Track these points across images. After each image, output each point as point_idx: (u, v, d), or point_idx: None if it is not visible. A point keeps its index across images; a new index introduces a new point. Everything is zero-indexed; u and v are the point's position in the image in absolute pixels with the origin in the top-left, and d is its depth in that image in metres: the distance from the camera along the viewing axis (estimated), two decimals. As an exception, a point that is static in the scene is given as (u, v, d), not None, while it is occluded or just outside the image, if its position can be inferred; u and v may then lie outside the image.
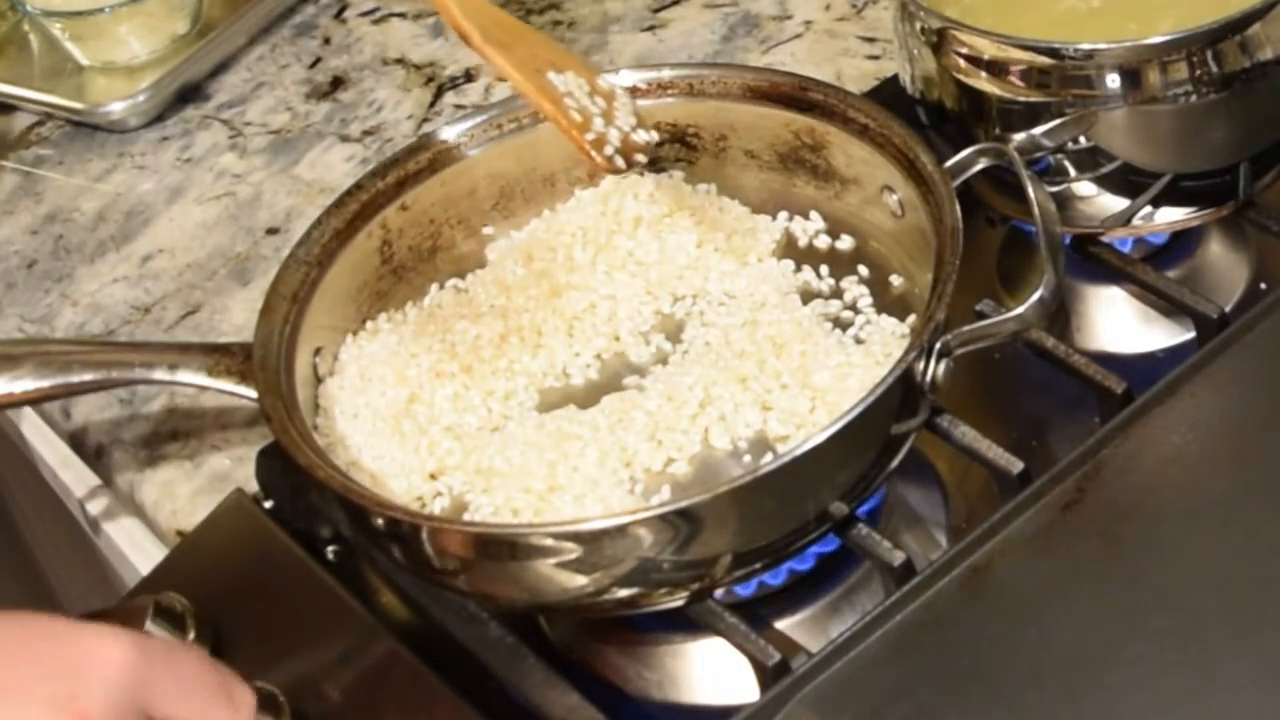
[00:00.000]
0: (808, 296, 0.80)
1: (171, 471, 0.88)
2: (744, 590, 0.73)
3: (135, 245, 1.04)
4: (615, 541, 0.65)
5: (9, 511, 1.11)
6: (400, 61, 1.14)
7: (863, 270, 0.80)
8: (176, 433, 0.90)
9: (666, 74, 0.84)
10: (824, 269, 0.81)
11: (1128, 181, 0.79)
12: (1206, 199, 0.81)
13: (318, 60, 1.16)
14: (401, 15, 1.19)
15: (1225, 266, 0.85)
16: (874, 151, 0.79)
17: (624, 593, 0.68)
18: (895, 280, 0.79)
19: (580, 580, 0.67)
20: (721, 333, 0.78)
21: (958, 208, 0.73)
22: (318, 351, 0.79)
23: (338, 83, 1.14)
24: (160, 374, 0.78)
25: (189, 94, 1.15)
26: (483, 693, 0.72)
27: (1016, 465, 0.73)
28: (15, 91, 1.16)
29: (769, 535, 0.68)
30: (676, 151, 0.85)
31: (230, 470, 0.87)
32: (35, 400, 0.81)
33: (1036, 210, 0.71)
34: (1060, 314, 0.84)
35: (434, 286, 0.83)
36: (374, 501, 0.69)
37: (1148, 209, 0.80)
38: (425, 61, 1.14)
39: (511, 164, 0.85)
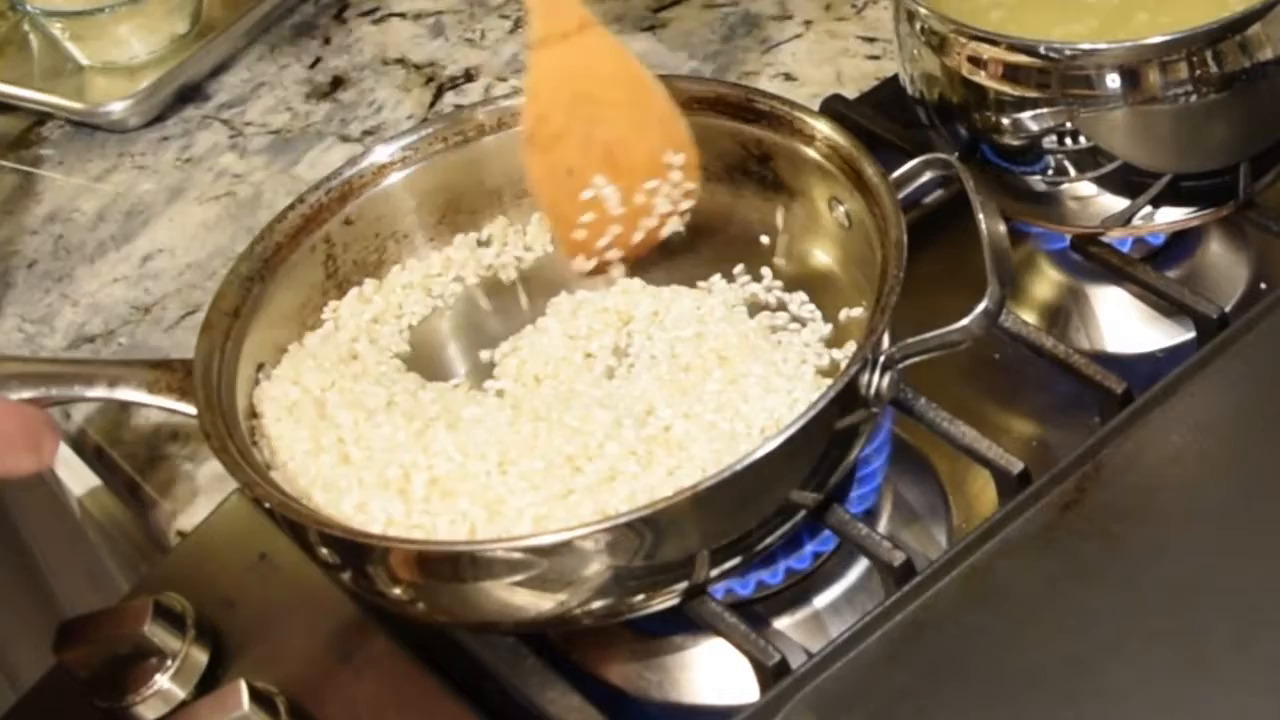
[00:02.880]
0: (755, 309, 0.79)
1: (171, 471, 0.88)
2: (743, 589, 0.73)
3: (135, 245, 1.04)
4: (573, 554, 0.65)
5: (9, 511, 1.11)
6: (400, 61, 1.14)
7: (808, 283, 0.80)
8: (176, 433, 0.90)
9: None
10: (772, 281, 0.81)
11: (1128, 181, 0.79)
12: (1206, 199, 0.81)
13: (318, 60, 1.16)
14: (401, 15, 1.19)
15: (1225, 266, 0.85)
16: (821, 162, 0.78)
17: (599, 604, 0.67)
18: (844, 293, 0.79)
19: (550, 597, 0.66)
20: (668, 346, 0.77)
21: (903, 220, 0.72)
22: (260, 367, 0.78)
23: (338, 83, 1.14)
24: (99, 390, 0.76)
25: (189, 94, 1.15)
26: (483, 693, 0.72)
27: (1016, 465, 0.73)
28: (15, 91, 1.16)
29: (739, 528, 0.68)
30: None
31: (230, 470, 0.87)
32: None
33: (981, 222, 0.71)
34: (1060, 314, 0.84)
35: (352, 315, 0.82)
36: (313, 519, 0.68)
37: (1148, 209, 0.80)
38: (425, 61, 1.14)
39: (457, 176, 0.84)
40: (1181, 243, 0.86)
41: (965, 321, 0.69)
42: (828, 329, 0.78)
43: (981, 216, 0.71)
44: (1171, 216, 0.81)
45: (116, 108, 1.12)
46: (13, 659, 1.04)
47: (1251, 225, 0.84)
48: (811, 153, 0.78)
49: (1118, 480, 0.73)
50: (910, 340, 0.70)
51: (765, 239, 0.82)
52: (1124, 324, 0.84)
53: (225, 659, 0.74)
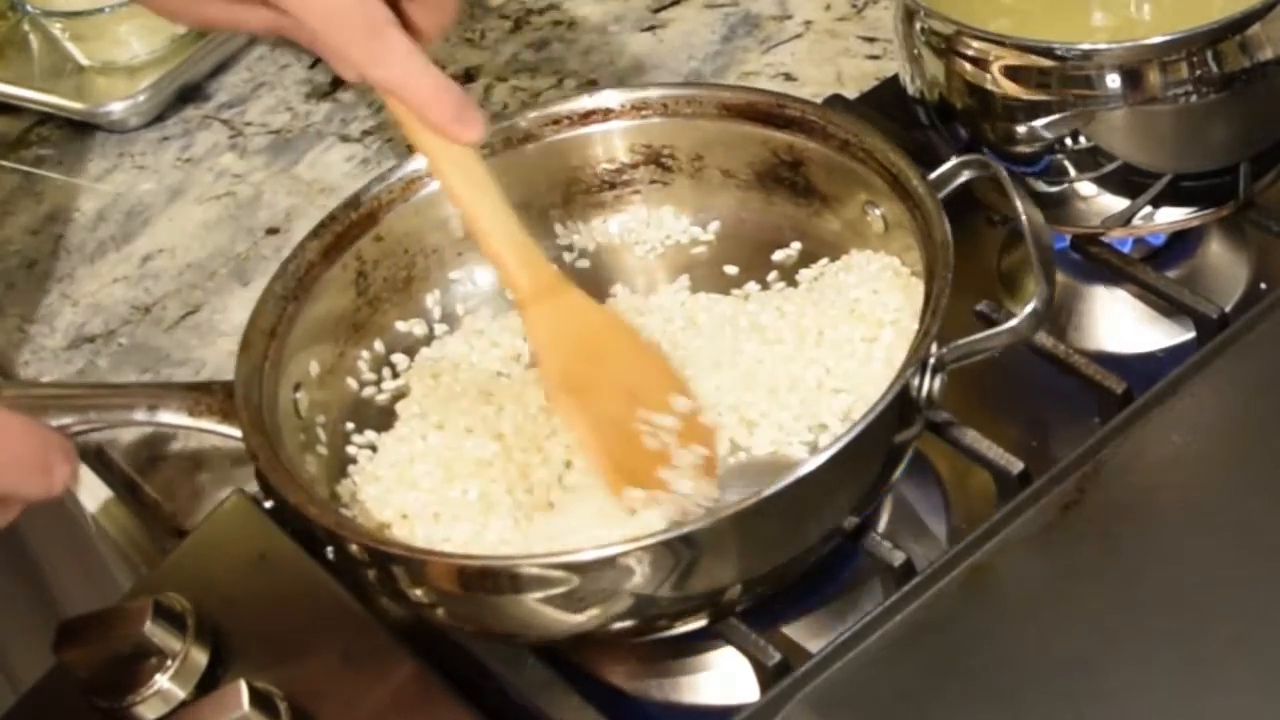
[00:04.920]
0: (793, 314, 0.78)
1: (171, 471, 0.88)
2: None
3: (135, 245, 1.04)
4: (612, 572, 0.65)
5: (9, 511, 1.11)
6: (400, 61, 1.14)
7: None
8: (177, 433, 0.90)
9: (641, 95, 0.83)
10: (810, 286, 0.80)
11: (1128, 181, 0.79)
12: (1206, 199, 0.81)
13: (318, 60, 1.16)
14: (401, 15, 1.19)
15: (1225, 266, 0.85)
16: (855, 166, 0.78)
17: (627, 624, 0.67)
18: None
19: (579, 614, 0.66)
20: (711, 354, 0.77)
21: (946, 221, 0.72)
22: (297, 387, 0.77)
23: (338, 83, 1.13)
24: (140, 414, 0.76)
25: (189, 94, 1.15)
26: (482, 693, 0.72)
27: (1016, 465, 0.73)
28: (15, 91, 1.16)
29: (778, 558, 0.68)
30: (651, 173, 0.84)
31: (230, 470, 0.87)
32: None
33: (1025, 222, 0.71)
34: (1060, 314, 0.84)
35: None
36: (368, 537, 0.68)
37: (1148, 209, 0.80)
38: (425, 61, 1.14)
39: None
40: (1181, 243, 0.86)
41: (1015, 323, 0.69)
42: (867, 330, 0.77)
43: (1025, 217, 0.71)
44: (1171, 216, 0.81)
45: (116, 108, 1.12)
46: (13, 659, 1.04)
47: (1251, 225, 0.84)
48: (845, 157, 0.78)
49: (1118, 480, 0.73)
50: (960, 342, 0.69)
51: (799, 244, 0.82)
52: (1124, 324, 0.84)
53: (225, 659, 0.74)
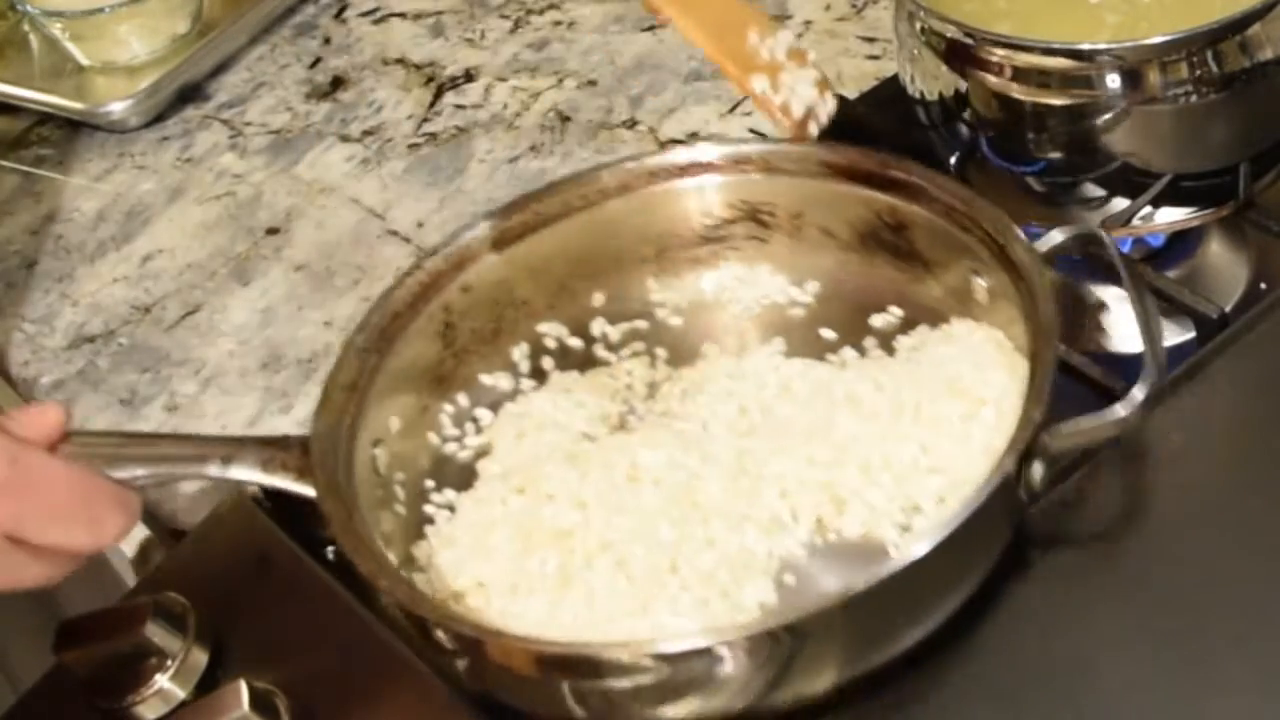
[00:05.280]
0: (892, 384, 0.75)
1: (171, 471, 0.88)
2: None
3: (135, 245, 1.04)
4: (704, 663, 0.62)
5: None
6: (400, 61, 1.14)
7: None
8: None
9: (741, 150, 0.80)
10: (909, 355, 0.77)
11: (1128, 181, 0.79)
12: (1206, 199, 0.81)
13: (318, 60, 1.16)
14: (401, 15, 1.19)
15: (1225, 266, 0.85)
16: (960, 234, 0.74)
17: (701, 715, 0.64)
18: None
19: (667, 707, 0.64)
20: (804, 424, 0.74)
21: (1053, 300, 0.68)
22: (377, 442, 0.75)
23: (338, 83, 1.14)
24: (213, 469, 0.72)
25: (189, 94, 1.15)
26: (482, 693, 0.72)
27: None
28: (15, 91, 1.16)
29: (881, 652, 0.66)
30: (749, 230, 0.81)
31: (230, 470, 0.87)
32: None
33: (1137, 305, 0.68)
34: (1061, 314, 0.84)
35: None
36: (441, 614, 0.66)
37: (1148, 209, 0.80)
38: (425, 61, 1.14)
39: (575, 245, 0.81)
40: (1181, 243, 0.86)
41: (1124, 413, 0.65)
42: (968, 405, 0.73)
43: (1135, 299, 0.68)
44: (1171, 216, 0.81)
45: (116, 108, 1.12)
46: (13, 659, 1.04)
47: (1251, 225, 0.84)
48: (949, 223, 0.75)
49: (1118, 480, 0.73)
50: (1064, 430, 0.66)
51: (899, 309, 0.79)
52: (1124, 324, 0.84)
53: (225, 659, 0.74)
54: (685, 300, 0.83)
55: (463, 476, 0.77)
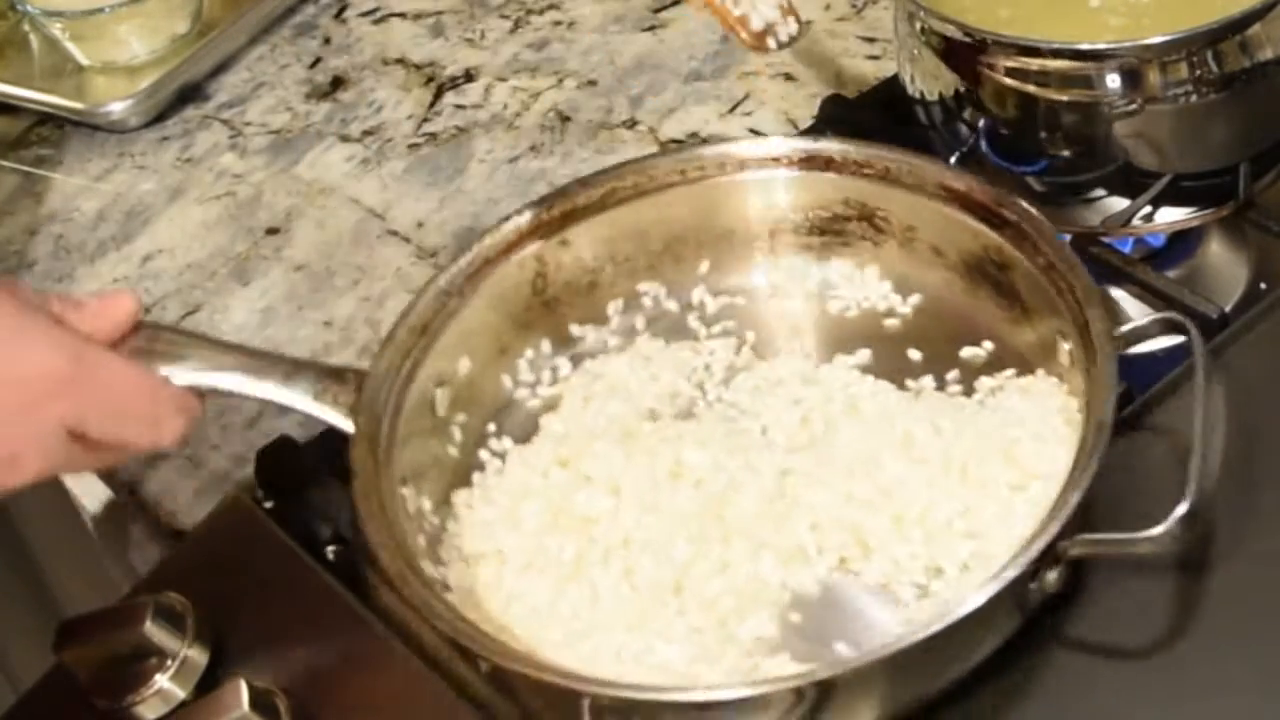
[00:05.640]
0: (962, 423, 0.74)
1: (171, 471, 0.88)
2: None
3: (135, 245, 1.04)
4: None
5: (9, 511, 1.11)
6: (400, 61, 1.14)
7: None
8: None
9: (865, 152, 0.79)
10: (986, 398, 0.76)
11: (1128, 181, 0.79)
12: (1206, 199, 0.81)
13: (318, 60, 1.16)
14: (401, 15, 1.19)
15: (1225, 266, 0.85)
16: (1053, 292, 0.73)
17: None
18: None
19: None
20: (868, 449, 0.73)
21: (1113, 399, 0.66)
22: (441, 382, 0.76)
23: (338, 83, 1.14)
24: (271, 386, 0.72)
25: (189, 94, 1.15)
26: (483, 692, 0.71)
27: (1017, 465, 0.73)
28: (15, 91, 1.16)
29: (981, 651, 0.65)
30: (864, 230, 0.80)
31: (230, 470, 0.87)
32: None
33: (1200, 412, 0.65)
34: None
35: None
36: (432, 612, 0.66)
37: (1148, 209, 0.80)
38: (425, 61, 1.14)
39: (686, 212, 0.81)
40: (1181, 243, 0.86)
41: (1160, 530, 0.62)
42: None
43: (1200, 410, 0.65)
44: (1171, 216, 0.81)
45: (116, 108, 1.12)
46: (13, 659, 1.04)
47: (1251, 225, 0.84)
48: (1046, 279, 0.73)
49: (1118, 480, 0.73)
50: (1091, 538, 0.64)
51: (991, 345, 0.77)
52: (1124, 324, 0.84)
53: (225, 659, 0.74)
54: (790, 285, 0.83)
55: (525, 428, 0.78)
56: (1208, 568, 0.69)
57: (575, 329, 0.81)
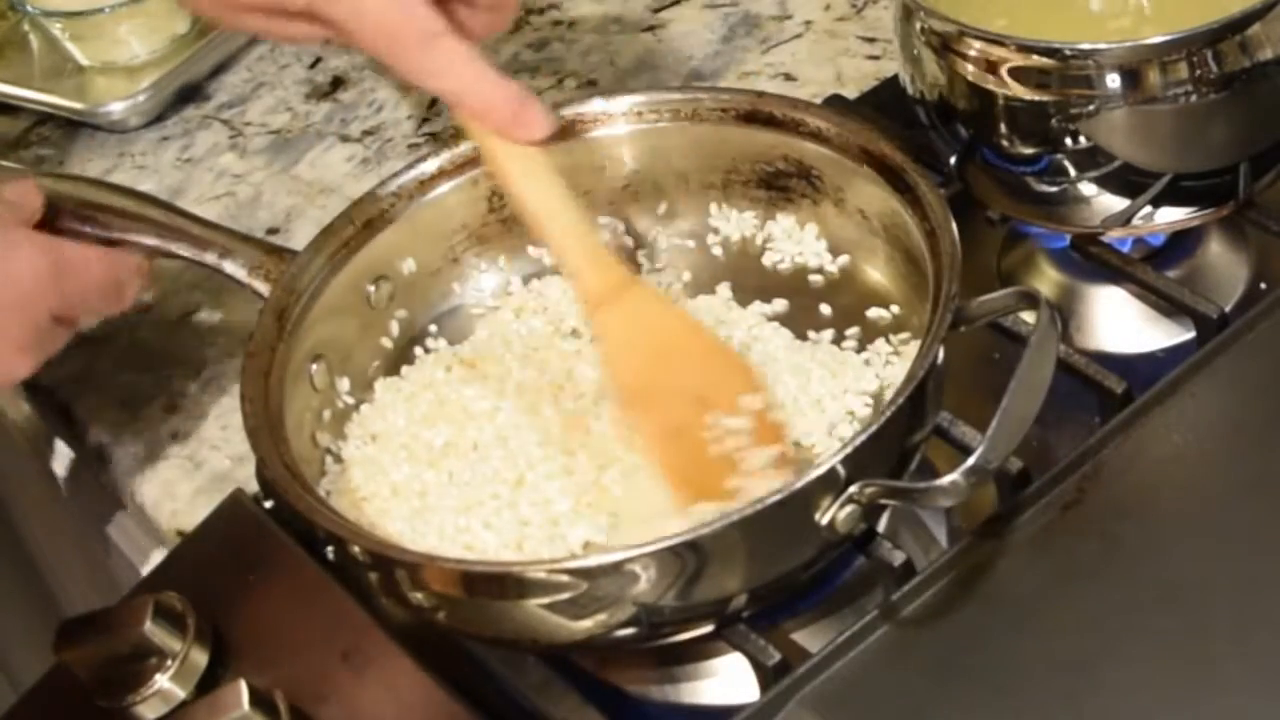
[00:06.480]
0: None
1: (171, 471, 0.88)
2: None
3: (135, 245, 1.04)
4: (618, 578, 0.64)
5: (9, 511, 1.11)
6: (400, 61, 1.14)
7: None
8: (176, 433, 0.90)
9: (800, 115, 0.80)
10: (883, 366, 0.78)
11: (1128, 181, 0.79)
12: (1206, 199, 0.81)
13: (318, 60, 1.16)
14: (401, 15, 1.19)
15: (1225, 266, 0.85)
16: (932, 261, 0.73)
17: (631, 631, 0.66)
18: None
19: (583, 621, 0.66)
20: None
21: (929, 366, 0.68)
22: (379, 279, 0.80)
23: (338, 83, 1.14)
24: (210, 257, 0.80)
25: (189, 94, 1.15)
26: (482, 693, 0.72)
27: (1016, 465, 0.73)
28: (15, 91, 1.16)
29: (781, 566, 0.67)
30: (803, 188, 0.82)
31: (230, 470, 0.87)
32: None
33: (1019, 375, 0.66)
34: (1060, 314, 0.84)
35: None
36: (343, 528, 0.68)
37: (1148, 209, 0.80)
38: (425, 61, 1.14)
39: (645, 155, 0.83)
40: (1181, 243, 0.86)
41: (945, 480, 0.64)
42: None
43: (1028, 368, 0.66)
44: (1171, 216, 0.81)
45: (116, 108, 1.12)
46: (13, 659, 1.04)
47: (1251, 225, 0.84)
48: (928, 247, 0.74)
49: (1118, 480, 0.73)
50: (882, 482, 0.66)
51: (897, 310, 0.79)
52: (1124, 324, 0.84)
53: (225, 659, 0.74)
54: (735, 234, 0.84)
55: (462, 333, 0.82)
56: (1208, 568, 0.69)
57: (532, 250, 0.84)
